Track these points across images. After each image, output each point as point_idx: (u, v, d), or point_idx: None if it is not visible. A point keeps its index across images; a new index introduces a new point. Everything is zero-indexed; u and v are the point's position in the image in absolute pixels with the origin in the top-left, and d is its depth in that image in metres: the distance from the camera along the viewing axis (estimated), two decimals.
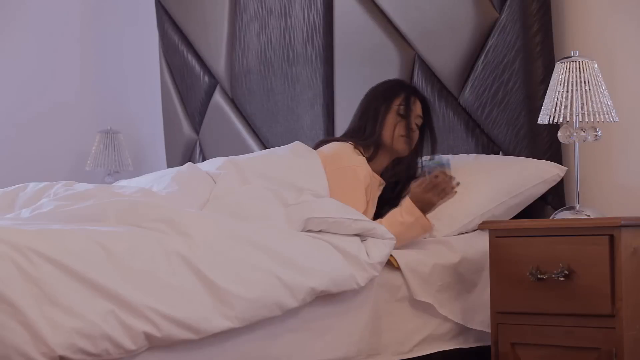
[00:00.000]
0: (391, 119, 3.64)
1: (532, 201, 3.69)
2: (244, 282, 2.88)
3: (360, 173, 3.54)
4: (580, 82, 3.28)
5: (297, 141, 3.78)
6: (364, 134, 3.66)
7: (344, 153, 3.60)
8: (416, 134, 3.67)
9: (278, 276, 2.95)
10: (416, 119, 3.67)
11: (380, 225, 3.28)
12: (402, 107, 3.65)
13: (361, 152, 3.62)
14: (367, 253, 3.19)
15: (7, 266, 2.54)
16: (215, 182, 3.51)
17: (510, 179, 3.63)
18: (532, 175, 3.66)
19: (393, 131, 3.64)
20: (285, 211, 3.23)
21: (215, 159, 3.78)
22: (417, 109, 3.67)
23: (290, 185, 3.44)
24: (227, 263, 2.88)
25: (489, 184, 3.64)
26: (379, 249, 3.22)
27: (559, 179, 3.70)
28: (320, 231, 3.19)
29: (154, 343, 2.72)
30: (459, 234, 3.56)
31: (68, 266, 2.61)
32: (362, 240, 3.23)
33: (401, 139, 3.64)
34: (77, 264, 2.62)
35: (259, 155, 3.88)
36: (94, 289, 2.63)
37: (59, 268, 2.60)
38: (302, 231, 3.17)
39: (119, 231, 2.81)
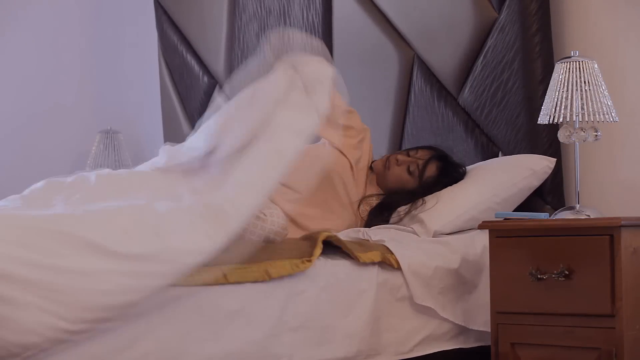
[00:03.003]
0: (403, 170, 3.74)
1: (527, 195, 3.68)
2: None
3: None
4: (580, 82, 3.28)
5: None
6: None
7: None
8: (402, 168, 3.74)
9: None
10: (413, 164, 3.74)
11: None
12: (419, 168, 3.71)
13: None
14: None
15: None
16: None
17: (502, 173, 3.66)
18: (522, 166, 3.67)
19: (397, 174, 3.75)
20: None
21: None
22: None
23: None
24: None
25: (481, 178, 3.65)
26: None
27: (549, 171, 3.68)
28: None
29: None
30: (459, 231, 3.57)
31: None
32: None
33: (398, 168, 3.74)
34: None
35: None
36: None
37: None
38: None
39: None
